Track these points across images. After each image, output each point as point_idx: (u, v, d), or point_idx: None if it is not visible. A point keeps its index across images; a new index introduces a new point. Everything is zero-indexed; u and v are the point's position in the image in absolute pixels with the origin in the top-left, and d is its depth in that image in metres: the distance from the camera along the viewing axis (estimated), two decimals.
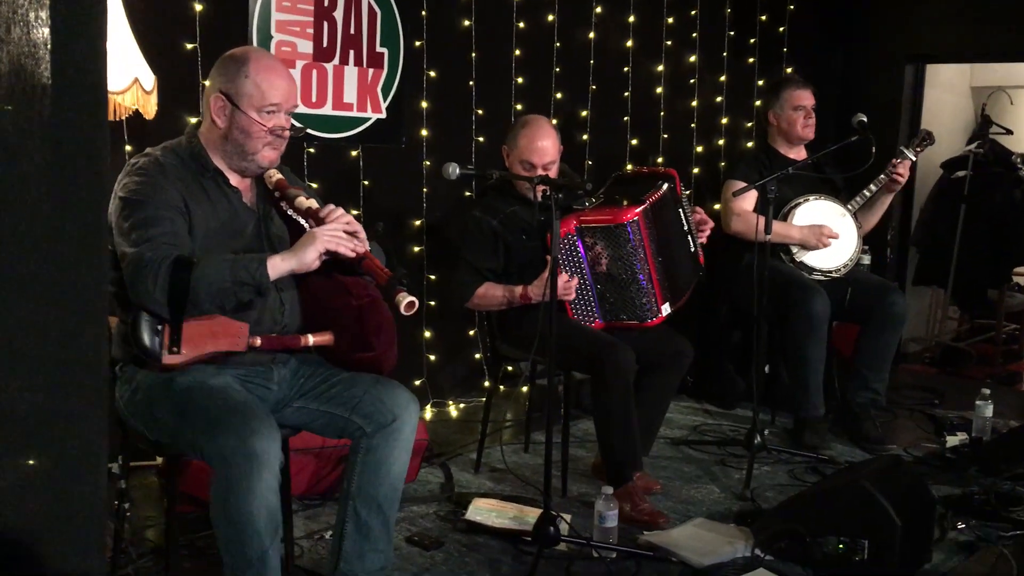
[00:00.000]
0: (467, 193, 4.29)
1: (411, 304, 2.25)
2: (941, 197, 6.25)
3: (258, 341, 2.36)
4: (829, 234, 4.08)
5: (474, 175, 3.13)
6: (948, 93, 6.58)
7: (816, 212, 4.14)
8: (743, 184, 3.88)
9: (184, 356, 2.26)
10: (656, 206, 3.34)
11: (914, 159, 4.12)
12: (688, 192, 5.34)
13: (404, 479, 2.48)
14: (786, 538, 2.89)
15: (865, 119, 3.85)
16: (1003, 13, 5.41)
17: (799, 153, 4.31)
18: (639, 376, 3.36)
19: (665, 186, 3.39)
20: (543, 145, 3.33)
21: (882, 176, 4.12)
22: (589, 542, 2.93)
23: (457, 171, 2.92)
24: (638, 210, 3.25)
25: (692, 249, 3.52)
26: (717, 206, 4.47)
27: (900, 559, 2.75)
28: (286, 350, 2.48)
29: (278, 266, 2.27)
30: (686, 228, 3.50)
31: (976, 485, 3.44)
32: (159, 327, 2.23)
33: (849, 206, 4.18)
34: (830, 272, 4.12)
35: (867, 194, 4.17)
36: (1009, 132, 6.31)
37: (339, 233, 2.31)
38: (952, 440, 3.96)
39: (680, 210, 3.48)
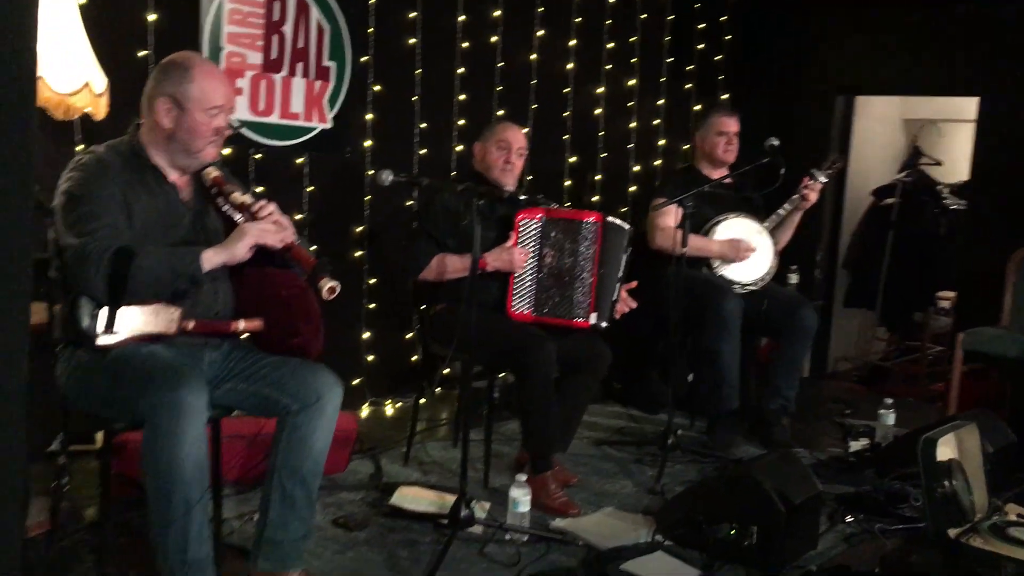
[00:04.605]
0: (408, 203, 4.50)
1: (332, 289, 2.48)
2: (871, 223, 6.54)
3: (191, 324, 2.56)
4: (747, 247, 4.33)
5: (405, 182, 3.33)
6: (881, 124, 6.87)
7: (735, 229, 4.40)
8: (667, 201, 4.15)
9: (118, 336, 2.45)
10: (612, 228, 3.61)
11: (825, 181, 4.40)
12: (624, 209, 5.58)
13: (327, 455, 2.65)
14: (685, 525, 3.11)
15: (777, 142, 4.08)
16: (932, 49, 5.66)
17: (722, 174, 4.56)
18: (560, 378, 3.58)
19: (628, 226, 3.69)
20: (516, 134, 3.75)
21: (795, 196, 4.40)
22: (502, 526, 3.14)
23: (390, 178, 3.11)
24: (601, 217, 3.60)
25: (614, 298, 3.68)
26: None
27: (785, 544, 2.98)
28: (217, 334, 2.67)
29: (211, 259, 2.49)
30: (619, 277, 3.67)
31: (870, 484, 3.67)
32: (96, 311, 2.43)
33: (765, 224, 4.44)
34: (748, 285, 4.36)
35: (781, 213, 4.44)
36: (938, 163, 6.60)
37: (268, 227, 2.53)
38: (855, 445, 4.21)
39: (623, 257, 3.68)
